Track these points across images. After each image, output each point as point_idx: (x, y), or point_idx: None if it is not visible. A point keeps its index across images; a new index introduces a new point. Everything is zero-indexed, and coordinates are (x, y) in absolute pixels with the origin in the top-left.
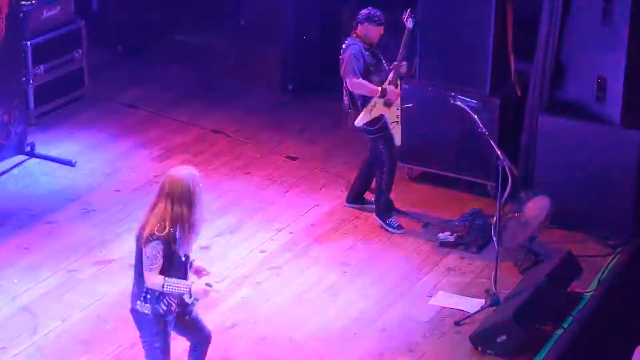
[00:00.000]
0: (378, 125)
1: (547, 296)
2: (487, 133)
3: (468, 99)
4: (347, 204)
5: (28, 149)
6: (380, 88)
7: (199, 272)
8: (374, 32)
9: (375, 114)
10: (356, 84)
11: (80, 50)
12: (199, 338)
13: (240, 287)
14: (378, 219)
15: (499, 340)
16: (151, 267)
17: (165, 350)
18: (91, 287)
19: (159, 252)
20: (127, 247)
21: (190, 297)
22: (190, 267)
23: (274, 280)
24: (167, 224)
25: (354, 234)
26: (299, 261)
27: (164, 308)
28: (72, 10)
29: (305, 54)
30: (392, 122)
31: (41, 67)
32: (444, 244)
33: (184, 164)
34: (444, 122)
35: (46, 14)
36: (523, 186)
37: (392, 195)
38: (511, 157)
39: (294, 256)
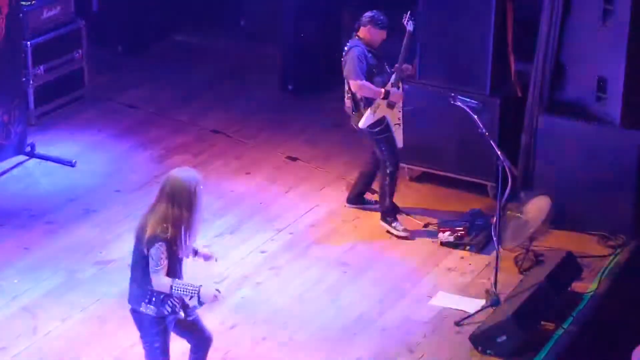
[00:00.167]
0: (380, 127)
1: (547, 296)
2: (487, 133)
3: (468, 100)
4: (347, 204)
5: (28, 149)
6: (383, 90)
7: (208, 258)
8: (377, 35)
9: (378, 115)
10: (360, 86)
11: (80, 51)
12: (199, 340)
13: (240, 287)
14: (383, 224)
15: (499, 340)
16: (157, 268)
17: (165, 350)
18: (91, 287)
19: (163, 254)
20: (127, 247)
21: (199, 300)
22: (195, 255)
23: (274, 280)
24: (170, 225)
25: (354, 235)
26: (299, 261)
27: (169, 310)
28: (72, 10)
29: (305, 54)
30: (394, 124)
31: (41, 67)
32: (444, 244)
33: (184, 164)
34: (444, 122)
35: (46, 14)
36: (523, 186)
37: None
38: (511, 157)
39: (294, 256)
